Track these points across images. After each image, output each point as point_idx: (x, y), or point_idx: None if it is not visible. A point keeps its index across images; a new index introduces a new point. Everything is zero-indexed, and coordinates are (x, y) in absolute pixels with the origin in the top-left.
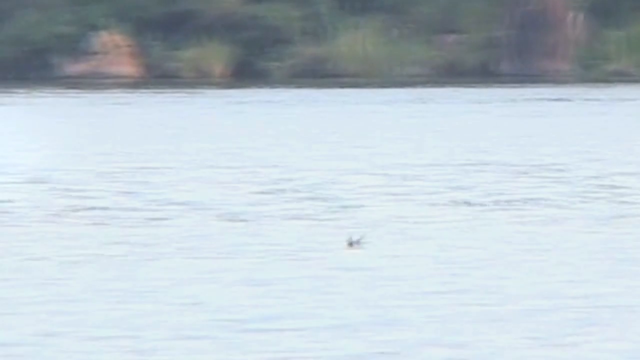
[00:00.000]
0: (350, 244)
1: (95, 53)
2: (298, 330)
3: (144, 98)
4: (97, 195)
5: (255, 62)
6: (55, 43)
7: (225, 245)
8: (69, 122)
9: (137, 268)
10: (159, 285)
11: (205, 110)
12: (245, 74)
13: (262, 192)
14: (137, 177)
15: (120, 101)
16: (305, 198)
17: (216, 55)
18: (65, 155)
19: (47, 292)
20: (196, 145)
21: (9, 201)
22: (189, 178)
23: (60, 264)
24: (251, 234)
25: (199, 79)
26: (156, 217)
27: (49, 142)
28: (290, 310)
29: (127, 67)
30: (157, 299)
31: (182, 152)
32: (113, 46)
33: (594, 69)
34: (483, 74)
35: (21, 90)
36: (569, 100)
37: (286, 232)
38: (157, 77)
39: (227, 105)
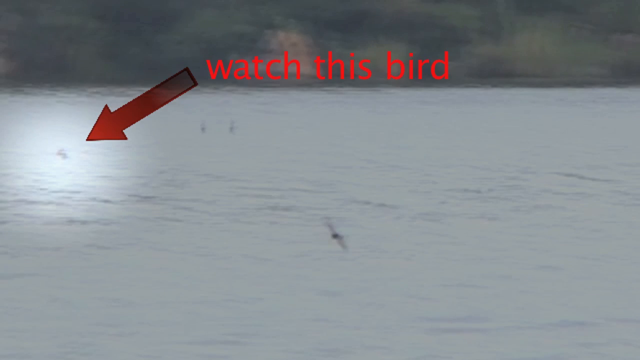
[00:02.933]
0: (335, 235)
1: (273, 52)
2: (502, 329)
3: (320, 97)
4: (283, 194)
5: (432, 61)
6: (233, 42)
7: (411, 244)
8: (252, 120)
9: (316, 267)
10: (350, 281)
11: (383, 109)
12: (423, 73)
13: (448, 191)
14: (320, 176)
15: (297, 100)
16: (490, 197)
17: (393, 55)
18: (245, 154)
19: (242, 288)
20: (375, 144)
21: (196, 200)
22: (371, 177)
23: (248, 260)
24: (438, 233)
25: (376, 79)
26: (338, 217)
27: (243, 140)
28: (487, 309)
29: (304, 66)
30: (348, 297)
31: (363, 152)
32: (290, 45)
33: None
34: None
35: (198, 89)
36: None
37: (471, 232)
38: (335, 76)
39: (404, 105)
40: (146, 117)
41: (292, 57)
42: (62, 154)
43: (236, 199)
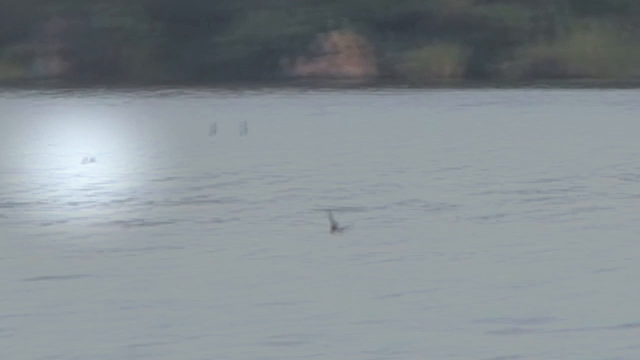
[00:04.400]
0: (334, 227)
1: (326, 53)
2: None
3: (374, 98)
4: (340, 196)
5: (485, 62)
6: (287, 43)
7: (469, 245)
8: (302, 122)
9: (375, 269)
10: (409, 283)
11: (436, 110)
12: (476, 74)
13: (505, 192)
14: (378, 177)
15: (351, 101)
16: (545, 198)
17: (447, 56)
18: (299, 156)
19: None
20: (431, 146)
21: (251, 202)
22: (428, 179)
23: (305, 262)
24: (496, 234)
25: (430, 80)
26: (401, 218)
27: (292, 141)
28: (555, 310)
29: (358, 68)
30: (407, 299)
31: (419, 153)
32: (344, 46)
33: None
34: None
35: (251, 90)
36: None
37: (528, 233)
38: (388, 77)
39: (458, 106)
40: (200, 117)
41: (345, 58)
42: (90, 160)
43: (291, 201)
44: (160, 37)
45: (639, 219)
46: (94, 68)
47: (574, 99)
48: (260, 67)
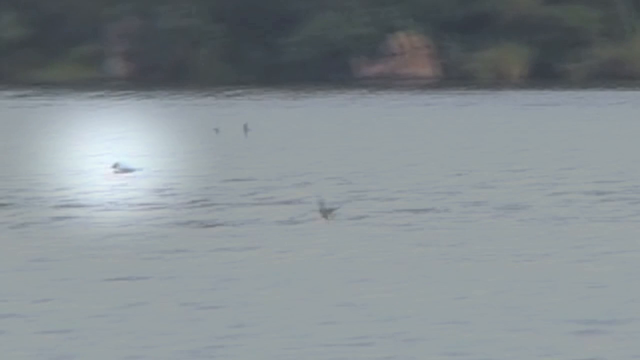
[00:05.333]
0: (322, 211)
1: (393, 54)
2: None
3: (441, 99)
4: (407, 197)
5: (552, 63)
6: (354, 44)
7: (540, 246)
8: (374, 122)
9: (448, 269)
10: (485, 284)
11: (503, 111)
12: (543, 75)
13: (576, 193)
14: (445, 179)
15: (419, 102)
16: (618, 199)
17: (514, 57)
18: (363, 157)
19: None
20: (497, 146)
21: (308, 202)
22: (496, 179)
23: (377, 263)
24: (565, 235)
25: (497, 80)
26: (469, 219)
27: (341, 144)
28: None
29: (425, 68)
30: (484, 300)
31: (486, 153)
32: (410, 47)
33: None
34: None
35: (319, 91)
36: None
37: (598, 233)
38: (455, 78)
39: (525, 106)
40: (269, 117)
41: (412, 59)
42: (117, 169)
43: (361, 202)
44: (227, 38)
45: None
46: (160, 69)
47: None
48: (327, 68)
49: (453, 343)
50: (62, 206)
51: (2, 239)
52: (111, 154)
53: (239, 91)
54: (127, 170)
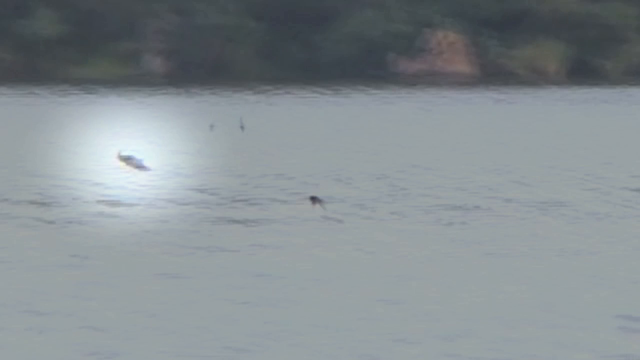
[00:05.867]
0: (312, 198)
1: (431, 51)
2: None
3: (479, 96)
4: (448, 194)
5: (590, 60)
6: (392, 41)
7: (581, 242)
8: (402, 121)
9: (486, 267)
10: (533, 280)
11: (541, 108)
12: (580, 72)
13: (615, 189)
14: (485, 176)
15: (456, 99)
16: None
17: (551, 54)
18: (401, 154)
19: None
20: (536, 143)
21: (351, 199)
22: (536, 176)
23: (410, 261)
24: (605, 232)
25: (534, 78)
26: (509, 216)
27: (384, 139)
28: None
29: (462, 66)
30: (532, 297)
31: (525, 151)
32: (448, 44)
33: None
34: None
35: (357, 88)
36: None
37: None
38: (492, 75)
39: (562, 104)
40: (309, 114)
41: (449, 56)
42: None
43: (405, 199)
44: (265, 35)
45: None
46: (197, 66)
47: None
48: (364, 65)
49: (495, 339)
50: (101, 203)
51: (44, 236)
52: (136, 150)
53: (276, 89)
54: (140, 166)
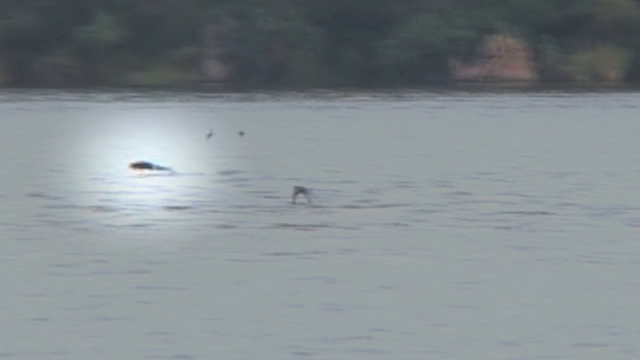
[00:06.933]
0: (296, 188)
1: (490, 57)
2: None
3: (538, 102)
4: (508, 199)
5: None
6: (451, 46)
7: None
8: (464, 126)
9: (548, 273)
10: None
11: (601, 113)
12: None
13: None
14: (546, 181)
15: (516, 105)
16: None
17: (610, 59)
18: (463, 159)
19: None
20: (597, 149)
21: (412, 204)
22: (596, 181)
23: (471, 265)
24: None
25: (594, 83)
26: (570, 222)
27: (447, 145)
28: None
29: (521, 71)
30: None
31: (586, 156)
32: (507, 50)
33: None
34: None
35: (418, 93)
36: None
37: None
38: (551, 80)
39: (622, 109)
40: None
41: (509, 61)
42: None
43: (463, 205)
44: (325, 40)
45: None
46: (257, 72)
47: None
48: (424, 70)
49: (561, 345)
50: (165, 209)
51: (109, 242)
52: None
53: (337, 94)
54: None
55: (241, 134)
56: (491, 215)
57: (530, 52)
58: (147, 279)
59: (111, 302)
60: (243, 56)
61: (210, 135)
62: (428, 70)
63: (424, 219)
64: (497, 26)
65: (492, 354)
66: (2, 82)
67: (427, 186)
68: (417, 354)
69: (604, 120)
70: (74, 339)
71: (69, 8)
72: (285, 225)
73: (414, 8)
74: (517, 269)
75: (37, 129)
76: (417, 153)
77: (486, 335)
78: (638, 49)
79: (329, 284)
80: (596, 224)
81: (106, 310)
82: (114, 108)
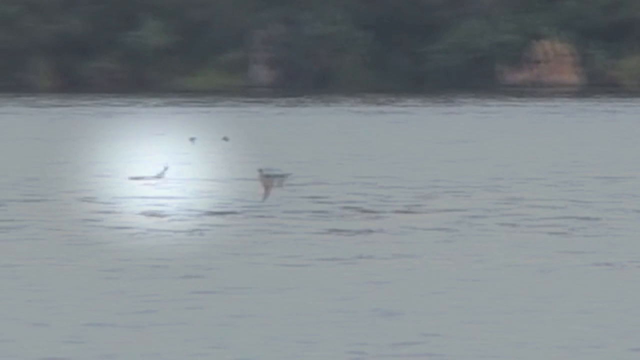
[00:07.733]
0: (260, 171)
1: (538, 61)
2: None
3: (587, 107)
4: (559, 204)
5: None
6: (499, 51)
7: None
8: (514, 130)
9: (595, 278)
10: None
11: None
12: None
13: None
14: (596, 186)
15: (565, 110)
16: None
17: None
18: (514, 164)
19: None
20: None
21: (463, 210)
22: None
23: (520, 270)
24: None
25: None
26: (621, 227)
27: (488, 151)
28: None
29: (569, 76)
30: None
31: (635, 161)
32: (555, 55)
33: None
34: None
35: (466, 98)
36: None
37: None
38: (599, 85)
39: None
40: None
41: (556, 66)
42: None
43: (508, 209)
44: (372, 45)
45: None
46: (304, 77)
47: None
48: (471, 75)
49: (615, 351)
50: (214, 214)
51: (158, 247)
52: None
53: (385, 99)
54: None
55: (225, 139)
56: (544, 220)
57: (577, 57)
58: (199, 284)
59: (163, 307)
60: (290, 61)
61: (193, 139)
62: (475, 75)
63: (476, 224)
64: (545, 31)
65: (547, 359)
66: (51, 87)
67: (479, 191)
68: (471, 358)
69: None
70: (126, 344)
71: (117, 13)
72: (336, 231)
73: (461, 13)
74: (571, 274)
75: (85, 133)
76: (468, 158)
77: (541, 341)
78: None
79: (380, 289)
80: None
81: (158, 316)
82: (163, 112)
